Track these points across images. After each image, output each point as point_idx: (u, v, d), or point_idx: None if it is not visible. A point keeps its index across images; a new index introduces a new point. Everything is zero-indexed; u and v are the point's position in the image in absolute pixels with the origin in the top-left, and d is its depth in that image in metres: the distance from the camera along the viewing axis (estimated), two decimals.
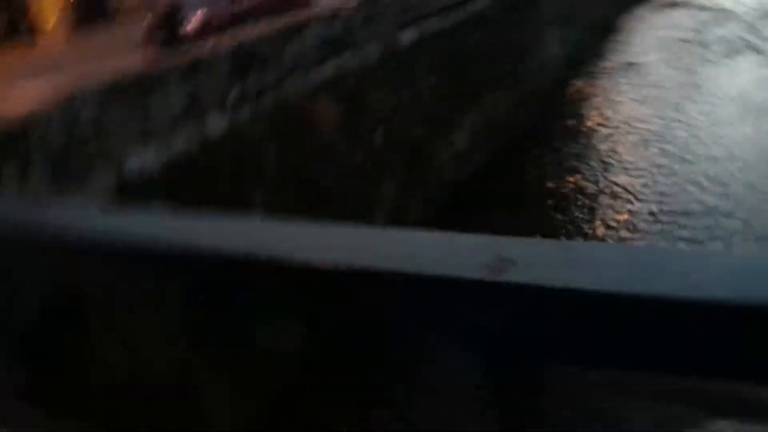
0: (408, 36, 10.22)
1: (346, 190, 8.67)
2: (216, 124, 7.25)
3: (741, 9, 21.38)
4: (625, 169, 10.89)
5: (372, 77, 9.28)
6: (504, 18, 13.69)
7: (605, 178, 10.76)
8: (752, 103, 12.74)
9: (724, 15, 21.19)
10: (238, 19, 9.22)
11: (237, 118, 7.51)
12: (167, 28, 9.25)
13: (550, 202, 10.28)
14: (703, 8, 22.78)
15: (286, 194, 7.49)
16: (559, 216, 9.82)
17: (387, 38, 9.71)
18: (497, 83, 12.89)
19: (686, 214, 9.20)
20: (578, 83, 16.23)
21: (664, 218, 9.20)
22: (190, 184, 6.43)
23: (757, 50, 16.48)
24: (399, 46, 10.01)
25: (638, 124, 12.82)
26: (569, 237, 9.19)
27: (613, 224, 9.31)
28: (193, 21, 9.24)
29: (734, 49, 16.85)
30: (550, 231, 9.38)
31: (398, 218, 9.31)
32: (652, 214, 9.40)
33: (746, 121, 12.01)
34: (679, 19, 22.01)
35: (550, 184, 10.80)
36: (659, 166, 10.80)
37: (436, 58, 10.90)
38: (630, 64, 17.10)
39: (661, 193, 9.97)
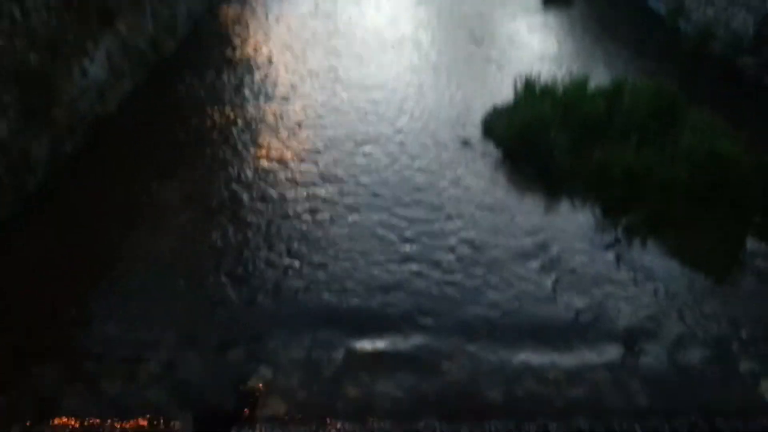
0: None
1: None
2: None
3: None
4: (283, 98, 10.60)
5: None
6: None
7: (260, 107, 10.31)
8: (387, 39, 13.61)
9: None
10: None
11: None
12: None
13: (205, 132, 9.44)
14: None
15: None
16: (212, 148, 9.05)
17: None
18: (135, 6, 11.28)
19: (351, 138, 9.33)
20: (228, 8, 15.38)
21: (329, 144, 9.17)
22: None
23: None
24: None
25: (291, 54, 12.66)
26: (226, 171, 8.56)
27: (276, 153, 8.96)
28: None
29: None
30: (202, 165, 8.62)
31: (19, 164, 7.52)
32: (319, 147, 9.27)
33: (382, 64, 12.51)
34: None
35: (201, 115, 9.93)
36: (318, 94, 10.77)
37: None
38: None
39: (323, 118, 9.94)
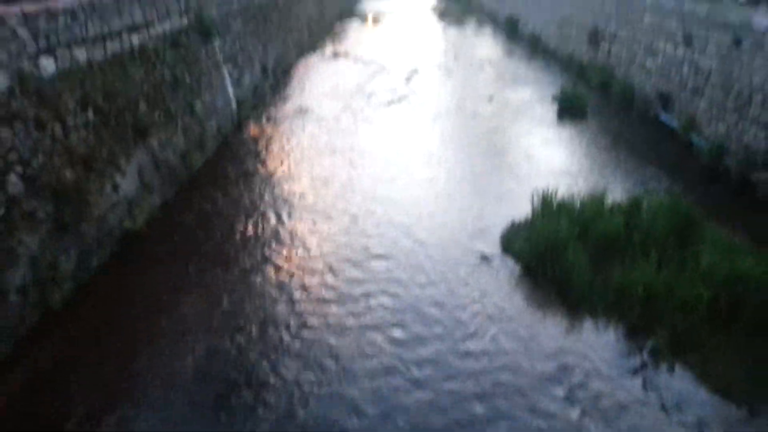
0: (50, 64, 8.62)
1: None
2: None
3: (393, 65, 24.22)
4: (303, 210, 10.88)
5: None
6: (174, 54, 12.80)
7: (282, 221, 10.57)
8: (405, 165, 14.06)
9: (380, 68, 23.72)
10: None
11: None
12: None
13: (227, 247, 9.63)
14: (362, 61, 25.23)
15: None
16: (234, 263, 9.21)
17: (18, 66, 7.99)
18: (168, 122, 11.87)
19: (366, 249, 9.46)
20: (255, 126, 16.14)
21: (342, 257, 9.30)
22: None
23: (409, 101, 18.58)
24: (36, 75, 8.34)
25: (313, 169, 13.10)
26: (239, 286, 8.62)
27: (286, 265, 9.07)
28: None
29: (393, 99, 18.73)
30: (224, 282, 8.71)
31: (46, 277, 7.65)
32: (334, 263, 9.41)
33: (401, 178, 13.01)
34: (343, 68, 23.92)
35: (226, 230, 10.18)
36: (337, 211, 11.04)
37: (90, 91, 9.47)
38: (303, 110, 17.70)
39: (337, 235, 10.13)
